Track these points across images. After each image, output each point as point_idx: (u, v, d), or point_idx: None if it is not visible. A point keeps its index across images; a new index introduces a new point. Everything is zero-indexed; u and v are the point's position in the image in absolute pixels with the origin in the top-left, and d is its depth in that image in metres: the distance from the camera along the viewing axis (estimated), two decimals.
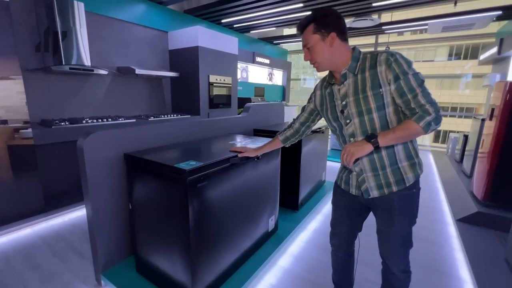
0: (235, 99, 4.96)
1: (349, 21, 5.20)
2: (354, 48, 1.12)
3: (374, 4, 4.32)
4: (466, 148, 4.17)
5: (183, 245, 1.34)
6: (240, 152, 1.57)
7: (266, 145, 1.58)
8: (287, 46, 8.71)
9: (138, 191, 1.53)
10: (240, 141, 2.00)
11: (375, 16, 5.03)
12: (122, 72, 3.65)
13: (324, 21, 1.06)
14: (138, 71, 3.52)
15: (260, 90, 7.31)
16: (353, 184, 1.20)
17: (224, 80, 4.57)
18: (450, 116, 12.31)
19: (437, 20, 5.08)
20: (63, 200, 2.86)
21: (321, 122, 2.00)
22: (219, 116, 4.52)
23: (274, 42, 7.51)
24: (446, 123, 14.60)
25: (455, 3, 4.85)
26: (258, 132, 2.72)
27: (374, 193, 1.14)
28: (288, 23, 5.77)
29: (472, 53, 16.15)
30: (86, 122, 2.88)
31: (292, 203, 2.66)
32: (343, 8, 4.64)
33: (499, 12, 4.64)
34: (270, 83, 7.90)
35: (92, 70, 3.15)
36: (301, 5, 4.31)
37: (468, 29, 5.55)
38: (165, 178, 1.33)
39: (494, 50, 5.08)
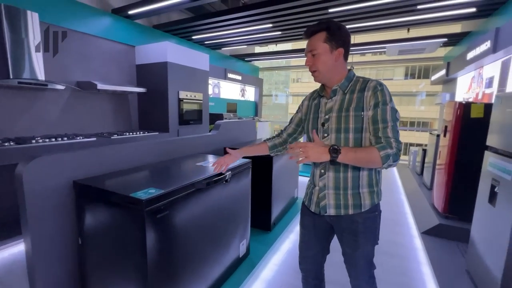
0: (207, 115, 4.87)
1: None
2: (350, 70, 1.17)
3: None
4: (425, 161, 4.46)
5: (141, 284, 1.19)
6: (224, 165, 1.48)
7: (251, 148, 1.46)
8: (259, 63, 8.91)
9: (89, 223, 1.35)
10: (210, 162, 1.91)
11: None
12: (82, 87, 3.40)
13: (337, 34, 1.08)
14: (100, 86, 3.31)
15: (232, 105, 7.30)
16: (314, 200, 1.22)
17: (195, 96, 4.48)
18: (409, 130, 13.37)
19: (394, 44, 5.55)
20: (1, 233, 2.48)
21: None
22: (189, 132, 4.38)
23: (246, 59, 7.64)
24: (407, 136, 15.85)
25: (408, 30, 5.36)
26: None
27: (331, 211, 1.17)
28: (258, 42, 5.92)
29: (424, 73, 18.01)
30: (37, 141, 2.59)
31: (264, 223, 2.58)
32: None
33: (445, 39, 5.20)
34: (242, 98, 7.95)
35: (46, 85, 2.89)
36: (270, 25, 4.46)
37: (420, 52, 6.14)
38: (120, 209, 1.19)
39: (443, 72, 5.64)
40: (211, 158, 2.07)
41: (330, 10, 3.67)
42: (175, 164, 1.87)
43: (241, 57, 7.46)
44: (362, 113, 1.08)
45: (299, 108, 1.37)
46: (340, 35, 1.09)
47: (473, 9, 3.68)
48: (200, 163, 1.87)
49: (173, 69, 3.99)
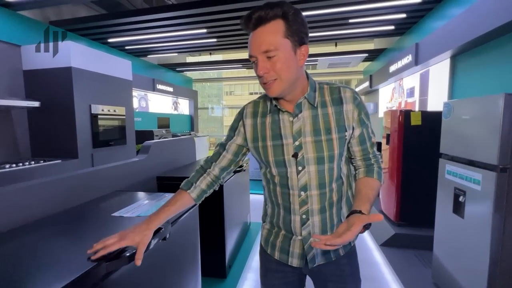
0: (132, 133, 4.00)
1: None
2: (307, 74, 0.85)
3: None
4: None
5: None
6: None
7: (163, 212, 0.87)
8: (191, 74, 8.32)
9: None
10: (132, 207, 1.28)
11: None
12: None
13: (298, 24, 0.73)
14: None
15: (164, 120, 6.46)
16: (296, 253, 0.90)
17: (115, 111, 3.61)
18: None
19: (325, 57, 5.86)
20: None
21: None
22: (108, 156, 3.46)
23: (177, 69, 6.95)
24: None
25: (336, 45, 5.74)
26: (163, 181, 2.01)
27: (319, 260, 0.90)
28: (190, 50, 5.38)
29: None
30: None
31: (218, 269, 2.03)
32: (247, 39, 4.63)
33: (366, 55, 5.75)
34: (175, 112, 7.17)
35: None
36: (204, 30, 4.01)
37: (346, 66, 6.69)
38: None
39: (367, 84, 6.22)
40: (138, 200, 1.43)
41: None
42: (78, 218, 1.18)
43: (172, 66, 6.74)
44: (345, 134, 0.82)
45: (234, 131, 0.93)
46: (302, 25, 0.74)
47: (392, 27, 4.07)
48: (120, 212, 1.22)
49: (80, 76, 3.08)
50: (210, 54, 5.93)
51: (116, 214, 1.17)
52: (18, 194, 1.15)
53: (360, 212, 0.74)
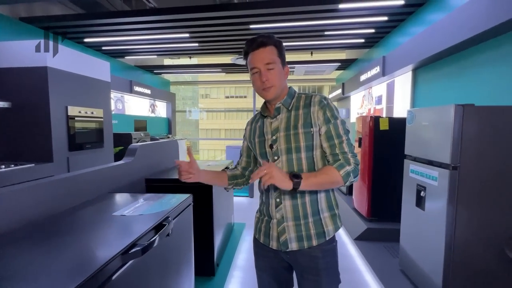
0: (110, 135, 3.90)
1: (233, 58, 5.41)
2: (290, 87, 1.12)
3: None
4: None
5: None
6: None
7: (210, 174, 1.19)
8: (168, 76, 8.21)
9: None
10: (131, 206, 1.33)
11: None
12: None
13: (283, 52, 1.05)
14: None
15: (141, 123, 6.32)
16: (274, 236, 1.06)
17: (93, 113, 3.51)
18: None
19: (301, 65, 6.16)
20: None
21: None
22: (85, 160, 3.35)
23: (155, 71, 6.85)
24: None
25: (311, 53, 6.06)
26: (152, 183, 2.05)
27: (293, 246, 1.03)
28: (171, 53, 5.37)
29: (318, 92, 21.44)
30: None
31: (207, 267, 2.10)
32: (229, 45, 4.76)
33: (339, 64, 6.15)
34: (153, 115, 7.03)
35: None
36: (187, 35, 4.06)
37: (321, 73, 7.07)
38: None
39: (339, 91, 6.63)
40: (131, 200, 1.48)
41: (252, 26, 3.63)
42: (77, 220, 1.20)
43: (150, 68, 6.63)
44: (312, 129, 1.02)
45: (244, 136, 1.23)
46: (284, 52, 1.06)
47: (362, 40, 4.44)
48: (121, 211, 1.27)
49: (57, 77, 2.98)
50: (190, 57, 5.95)
51: (117, 213, 1.22)
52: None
53: (299, 176, 0.93)
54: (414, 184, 2.10)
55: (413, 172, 2.13)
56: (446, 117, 1.73)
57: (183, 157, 6.45)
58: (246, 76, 8.91)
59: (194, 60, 7.36)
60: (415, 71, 3.39)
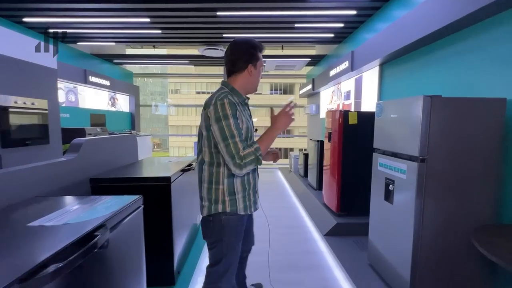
0: (57, 130, 3.43)
1: (201, 49, 5.11)
2: None
3: (224, 35, 4.44)
4: (309, 164, 4.96)
5: None
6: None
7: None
8: (133, 68, 7.62)
9: None
10: (57, 214, 1.07)
11: (225, 48, 5.24)
12: None
13: None
14: None
15: (99, 117, 5.75)
16: (257, 200, 1.39)
17: (34, 104, 3.03)
18: (287, 137, 15.52)
19: (272, 59, 6.05)
20: None
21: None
22: (24, 158, 2.89)
23: (115, 61, 6.27)
24: (285, 142, 18.51)
25: (282, 48, 5.98)
26: (98, 183, 1.76)
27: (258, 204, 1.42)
28: (131, 40, 4.91)
29: (290, 89, 21.67)
30: None
31: (165, 275, 1.87)
32: (195, 34, 4.47)
33: (309, 59, 6.14)
34: (113, 109, 6.46)
35: None
36: (147, 19, 3.70)
37: (291, 69, 7.02)
38: None
39: (309, 87, 6.66)
40: (68, 202, 1.21)
41: (219, 13, 3.40)
42: None
43: (108, 57, 6.05)
44: None
45: (238, 116, 1.19)
46: None
47: (332, 35, 4.43)
48: (40, 220, 1.00)
49: None
50: (154, 47, 5.52)
51: (34, 223, 0.96)
52: None
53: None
54: (383, 178, 2.07)
55: (381, 166, 2.11)
56: (414, 108, 1.70)
57: (144, 154, 6.01)
58: (217, 70, 8.62)
59: (164, 51, 6.88)
60: (382, 66, 3.43)
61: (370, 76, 3.69)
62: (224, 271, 1.25)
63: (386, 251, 2.05)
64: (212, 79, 22.15)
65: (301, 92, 7.83)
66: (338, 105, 5.00)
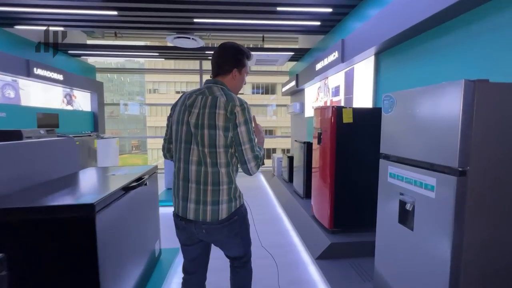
0: None
1: (170, 38, 4.44)
2: None
3: (195, 21, 3.81)
4: (294, 167, 4.43)
5: None
6: None
7: None
8: (94, 61, 6.76)
9: None
10: None
11: (198, 37, 4.59)
12: None
13: None
14: None
15: (50, 118, 4.89)
16: None
17: None
18: (269, 137, 15.08)
19: (253, 52, 5.50)
20: None
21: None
22: None
23: (70, 52, 5.41)
24: (267, 143, 17.94)
25: (263, 39, 5.45)
26: None
27: None
28: (84, 24, 4.12)
29: (271, 89, 21.19)
30: None
31: None
32: (164, 20, 3.80)
33: (292, 53, 5.66)
34: (69, 108, 5.59)
35: None
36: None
37: (273, 64, 6.51)
38: None
39: (293, 83, 6.17)
40: None
41: None
42: None
43: (63, 48, 5.19)
44: None
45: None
46: None
47: (318, 23, 3.95)
48: None
49: None
50: (116, 35, 4.76)
51: None
52: None
53: None
54: (395, 193, 1.56)
55: (393, 177, 1.60)
56: (448, 99, 1.20)
57: (109, 159, 5.21)
58: (193, 65, 7.92)
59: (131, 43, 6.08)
60: (377, 55, 2.98)
61: (364, 68, 3.23)
62: (250, 255, 1.41)
63: (402, 285, 1.55)
64: (190, 77, 21.24)
65: (283, 89, 7.34)
66: (325, 102, 4.54)
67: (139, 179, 1.79)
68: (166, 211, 4.05)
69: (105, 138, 5.97)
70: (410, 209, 1.45)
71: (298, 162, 4.09)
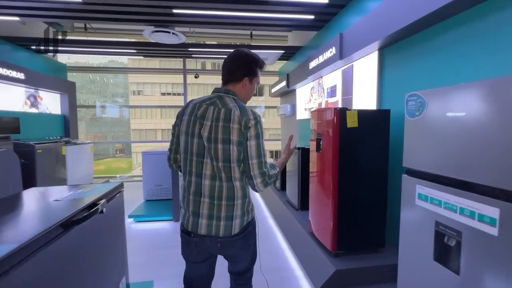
0: None
1: (147, 32, 3.96)
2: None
3: (175, 11, 3.36)
4: (287, 173, 4.05)
5: None
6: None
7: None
8: (65, 59, 6.14)
9: None
10: None
11: (179, 31, 4.13)
12: None
13: None
14: None
15: (8, 122, 4.28)
16: None
17: None
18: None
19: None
20: None
21: None
22: None
23: (34, 47, 4.79)
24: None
25: (251, 36, 5.07)
26: None
27: None
28: (41, 15, 3.56)
29: (259, 90, 20.86)
30: None
31: None
32: (138, 9, 3.33)
33: (283, 51, 5.32)
34: (34, 110, 4.97)
35: None
36: None
37: None
38: None
39: (283, 84, 5.82)
40: None
41: None
42: None
43: (25, 42, 4.58)
44: None
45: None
46: None
47: (312, 16, 3.61)
48: None
49: None
50: (85, 28, 4.22)
51: None
52: None
53: None
54: (428, 220, 1.21)
55: (424, 199, 1.24)
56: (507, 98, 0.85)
57: (82, 166, 4.57)
58: (176, 64, 7.40)
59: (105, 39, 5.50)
60: (381, 51, 2.65)
61: (365, 66, 2.90)
62: (253, 271, 1.36)
63: None
64: (176, 77, 20.53)
65: (273, 90, 6.97)
66: (320, 104, 4.20)
67: (91, 206, 1.34)
68: (145, 228, 3.57)
69: (78, 144, 5.38)
70: (452, 244, 1.09)
71: (291, 168, 3.72)
